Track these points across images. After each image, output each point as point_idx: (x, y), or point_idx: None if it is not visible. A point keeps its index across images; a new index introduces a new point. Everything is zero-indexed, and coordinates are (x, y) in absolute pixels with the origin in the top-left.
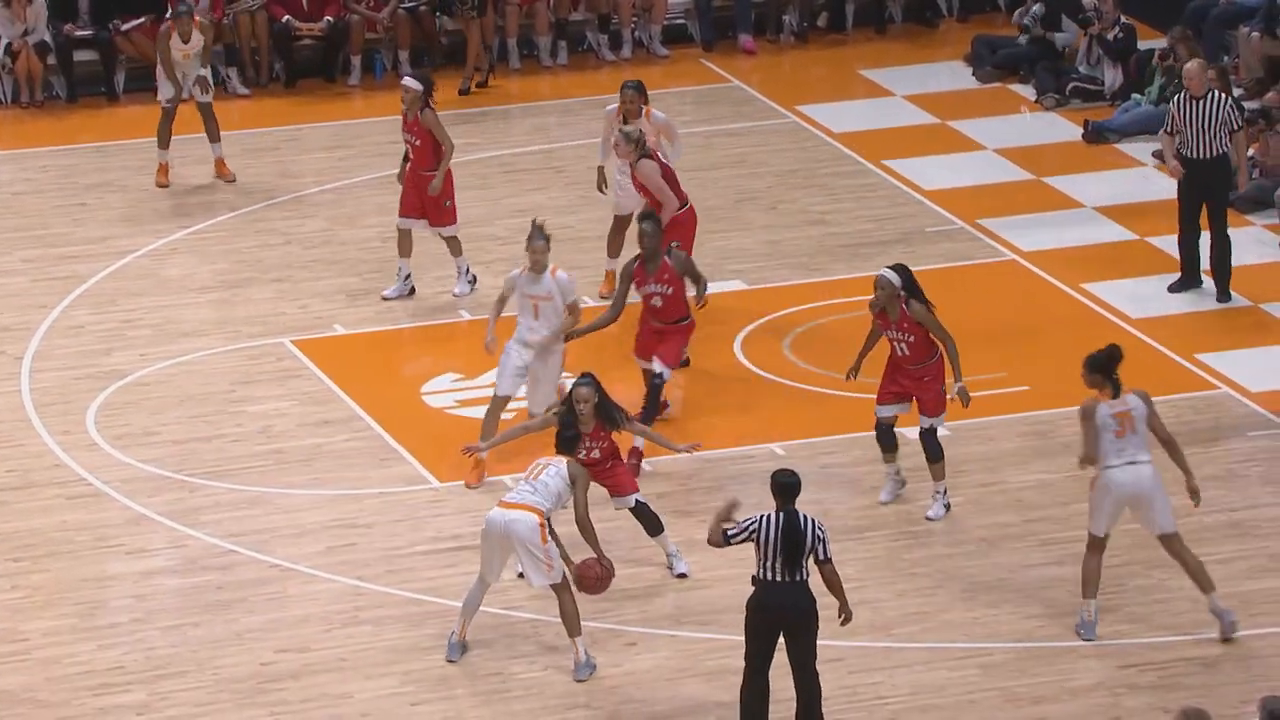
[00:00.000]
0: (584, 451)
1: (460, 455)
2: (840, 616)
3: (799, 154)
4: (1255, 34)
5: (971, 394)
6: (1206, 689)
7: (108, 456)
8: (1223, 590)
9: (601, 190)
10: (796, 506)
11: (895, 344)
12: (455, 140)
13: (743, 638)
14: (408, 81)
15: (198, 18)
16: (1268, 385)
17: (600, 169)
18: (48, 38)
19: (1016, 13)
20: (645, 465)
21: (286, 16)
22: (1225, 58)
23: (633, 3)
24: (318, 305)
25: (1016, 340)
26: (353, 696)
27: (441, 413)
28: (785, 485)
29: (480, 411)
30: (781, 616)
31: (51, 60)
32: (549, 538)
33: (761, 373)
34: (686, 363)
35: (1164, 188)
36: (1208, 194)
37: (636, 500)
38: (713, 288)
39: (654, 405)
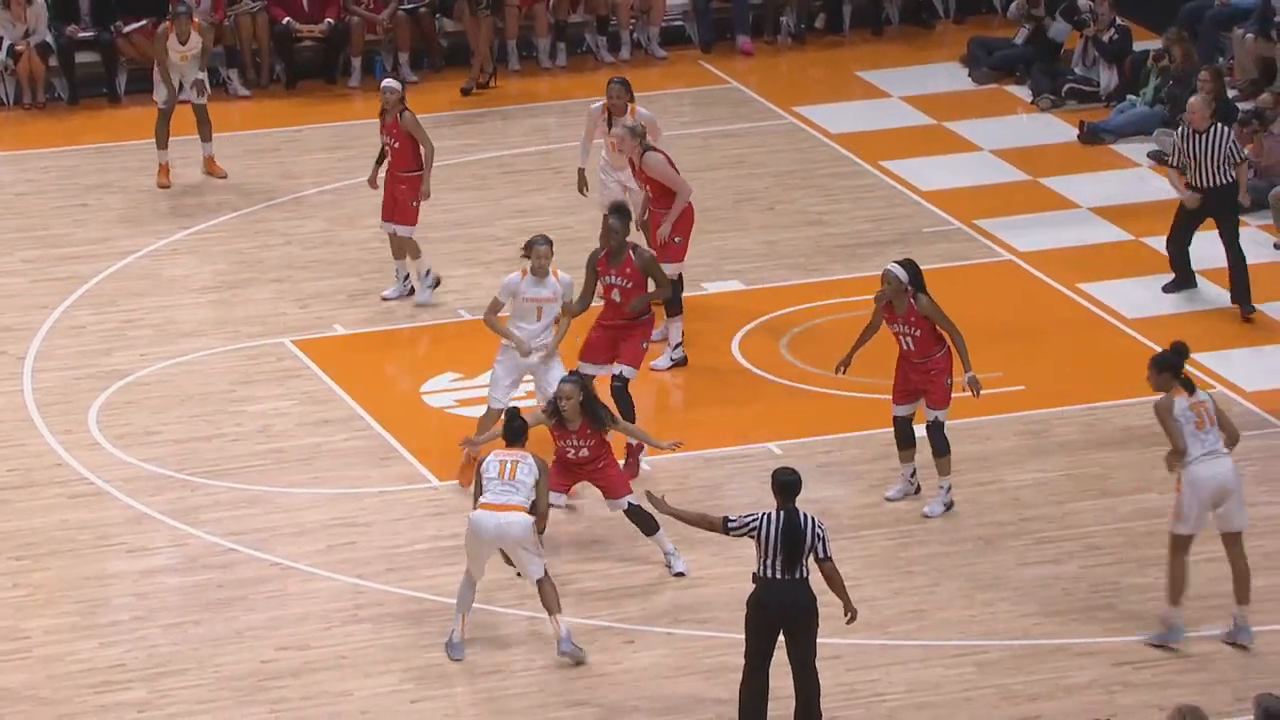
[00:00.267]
0: (572, 450)
1: (458, 452)
2: (846, 615)
3: (796, 155)
4: (1250, 35)
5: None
6: (1201, 686)
7: (109, 456)
8: (1217, 589)
9: (582, 193)
10: (796, 505)
11: (901, 338)
12: (456, 141)
13: (741, 635)
14: (388, 83)
15: (196, 19)
16: (1262, 385)
17: (580, 171)
18: (49, 39)
19: (1011, 9)
20: (645, 465)
21: (287, 18)
22: (1220, 59)
23: (631, 4)
24: (318, 305)
25: (1013, 340)
26: (352, 694)
27: (441, 412)
28: (786, 484)
29: (480, 411)
30: (782, 614)
31: (53, 62)
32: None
33: (759, 372)
34: (684, 361)
35: (1159, 188)
36: (1214, 215)
37: (629, 503)
38: (711, 287)
39: (625, 405)
